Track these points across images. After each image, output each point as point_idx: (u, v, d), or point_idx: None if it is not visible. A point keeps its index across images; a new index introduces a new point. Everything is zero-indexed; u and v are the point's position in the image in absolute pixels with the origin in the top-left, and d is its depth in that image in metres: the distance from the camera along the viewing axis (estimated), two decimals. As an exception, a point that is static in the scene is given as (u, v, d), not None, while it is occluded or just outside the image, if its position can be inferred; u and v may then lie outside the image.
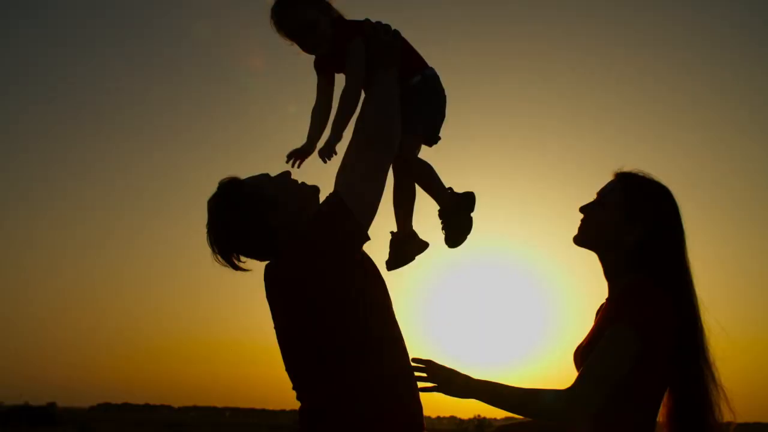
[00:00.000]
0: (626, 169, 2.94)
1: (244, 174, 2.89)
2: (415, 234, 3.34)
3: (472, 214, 3.34)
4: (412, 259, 3.33)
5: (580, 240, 2.94)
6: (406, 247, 3.32)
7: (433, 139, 3.26)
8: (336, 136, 3.06)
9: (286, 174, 2.91)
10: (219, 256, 2.82)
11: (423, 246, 3.35)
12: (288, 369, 2.76)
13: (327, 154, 3.06)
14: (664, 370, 2.70)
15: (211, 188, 2.86)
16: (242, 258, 2.85)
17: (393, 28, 3.11)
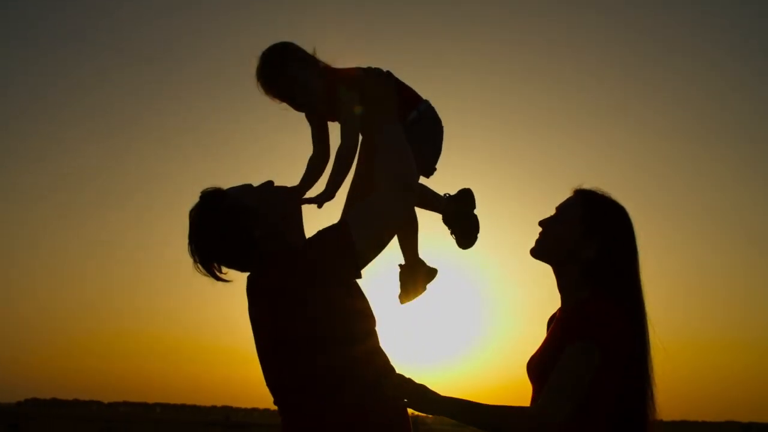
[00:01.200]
0: (585, 186, 3.00)
1: (229, 182, 2.87)
2: (423, 262, 3.27)
3: (475, 212, 3.35)
4: (425, 289, 3.27)
5: (538, 253, 2.99)
6: (417, 277, 3.25)
7: (430, 171, 3.22)
8: (329, 195, 3.03)
9: (269, 183, 2.87)
10: (200, 266, 2.79)
11: (432, 273, 3.29)
12: (270, 381, 2.79)
13: (319, 205, 3.02)
14: (618, 381, 2.78)
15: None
16: (224, 269, 2.82)
17: (384, 69, 3.08)
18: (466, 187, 3.34)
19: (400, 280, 3.25)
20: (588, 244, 2.91)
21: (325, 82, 3.06)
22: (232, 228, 2.75)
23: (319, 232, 2.77)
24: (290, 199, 2.91)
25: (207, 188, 2.82)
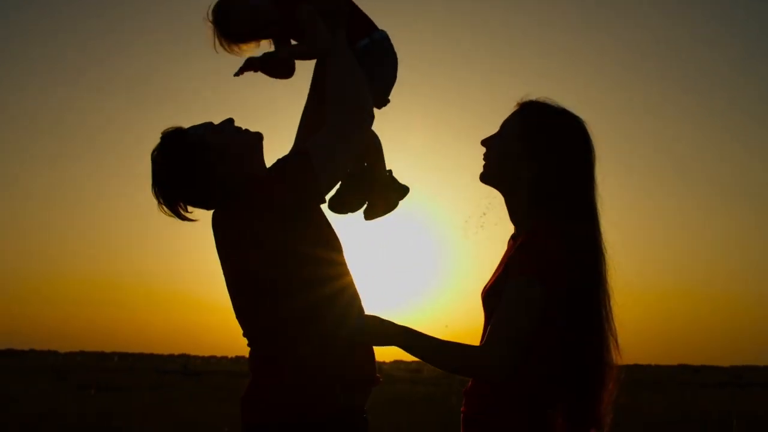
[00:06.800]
0: (531, 97, 2.79)
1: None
2: (393, 177, 3.16)
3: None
4: (396, 205, 3.16)
5: (486, 177, 2.82)
6: (387, 191, 3.13)
7: (382, 102, 3.07)
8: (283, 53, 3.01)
9: (229, 121, 2.87)
10: (164, 207, 2.83)
11: (405, 190, 3.16)
12: (237, 315, 2.83)
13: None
14: (566, 320, 2.65)
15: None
16: (189, 208, 2.86)
17: None
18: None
19: (365, 191, 3.11)
20: (528, 164, 2.69)
21: (278, 3, 2.97)
22: (196, 165, 2.77)
23: (279, 160, 2.80)
24: (252, 134, 2.88)
25: (167, 128, 2.84)
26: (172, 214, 2.83)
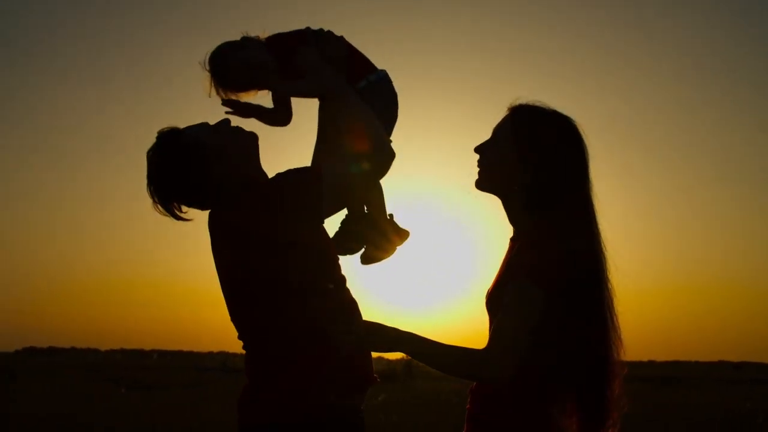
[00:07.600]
0: (521, 101, 2.79)
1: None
2: (393, 220, 3.08)
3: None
4: (394, 251, 3.08)
5: (480, 184, 2.84)
6: (386, 234, 3.06)
7: None
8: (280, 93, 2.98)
9: (226, 122, 2.86)
10: (159, 207, 2.81)
11: (404, 235, 3.08)
12: (232, 317, 2.80)
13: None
14: (567, 319, 2.65)
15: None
16: (183, 208, 2.84)
17: (337, 34, 3.00)
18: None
19: (364, 234, 3.04)
20: (523, 168, 2.70)
21: (276, 51, 2.95)
22: (191, 165, 2.75)
23: (290, 169, 2.77)
24: (248, 135, 2.88)
25: (163, 128, 2.83)
26: (167, 214, 2.82)
